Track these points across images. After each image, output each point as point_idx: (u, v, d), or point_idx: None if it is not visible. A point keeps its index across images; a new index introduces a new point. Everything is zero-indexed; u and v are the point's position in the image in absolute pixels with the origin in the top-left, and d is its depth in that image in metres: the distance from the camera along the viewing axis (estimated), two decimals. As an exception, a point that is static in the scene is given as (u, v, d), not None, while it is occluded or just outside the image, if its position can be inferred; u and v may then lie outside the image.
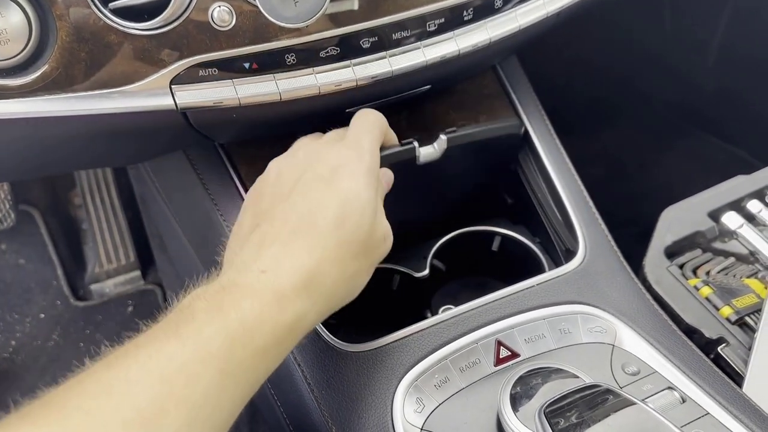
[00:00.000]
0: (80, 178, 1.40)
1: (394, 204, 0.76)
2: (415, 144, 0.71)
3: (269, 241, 0.53)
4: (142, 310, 1.33)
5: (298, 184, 0.56)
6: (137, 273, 1.39)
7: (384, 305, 0.79)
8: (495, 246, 0.83)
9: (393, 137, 0.68)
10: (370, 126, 0.62)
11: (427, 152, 0.73)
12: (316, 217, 0.53)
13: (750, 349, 0.68)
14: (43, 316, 1.30)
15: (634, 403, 0.51)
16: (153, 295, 1.35)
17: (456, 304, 0.68)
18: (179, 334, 0.45)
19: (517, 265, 0.80)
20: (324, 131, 0.73)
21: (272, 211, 0.55)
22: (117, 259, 1.38)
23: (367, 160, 0.57)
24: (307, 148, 0.60)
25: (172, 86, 0.57)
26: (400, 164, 0.75)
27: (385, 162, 0.64)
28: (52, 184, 1.42)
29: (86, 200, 1.40)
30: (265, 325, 0.48)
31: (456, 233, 0.81)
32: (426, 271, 0.79)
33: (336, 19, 0.59)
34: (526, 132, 0.78)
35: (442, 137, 0.73)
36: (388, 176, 0.65)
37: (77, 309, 1.32)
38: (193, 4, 0.55)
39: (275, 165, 0.61)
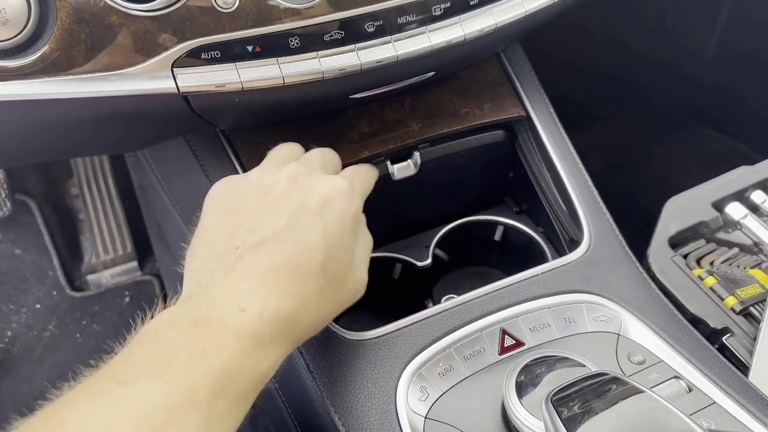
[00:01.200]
0: (77, 167, 1.39)
1: (397, 196, 0.76)
2: (387, 163, 0.73)
3: (251, 277, 0.50)
4: (139, 300, 1.32)
5: (286, 213, 0.53)
6: (134, 264, 1.38)
7: (385, 294, 0.78)
8: (497, 236, 0.82)
9: None
10: (364, 173, 0.63)
11: (402, 168, 0.75)
12: (302, 260, 0.51)
13: (755, 339, 0.68)
14: (39, 306, 1.29)
15: (642, 391, 0.50)
16: (150, 285, 1.34)
17: (458, 294, 0.68)
18: (164, 376, 0.44)
19: (519, 255, 0.80)
20: (326, 118, 0.72)
21: (255, 236, 0.52)
22: (114, 249, 1.37)
23: (356, 202, 0.57)
24: (294, 168, 0.57)
25: (174, 69, 0.56)
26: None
27: None
28: (48, 173, 1.41)
29: (83, 190, 1.39)
30: (245, 374, 0.47)
31: (458, 222, 0.81)
32: (428, 261, 0.78)
33: (340, 2, 0.58)
34: (530, 120, 0.78)
35: (416, 153, 0.74)
36: None
37: (74, 299, 1.31)
38: (195, -16, 0.54)
39: (254, 177, 0.58)
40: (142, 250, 1.38)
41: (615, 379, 0.52)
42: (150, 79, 0.56)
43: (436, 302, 0.76)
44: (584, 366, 0.57)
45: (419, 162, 0.75)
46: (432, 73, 0.70)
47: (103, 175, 1.39)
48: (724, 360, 0.62)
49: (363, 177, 0.63)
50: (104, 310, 1.30)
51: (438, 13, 0.62)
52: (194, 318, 0.48)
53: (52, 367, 1.22)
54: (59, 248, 1.36)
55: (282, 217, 0.53)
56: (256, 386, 0.48)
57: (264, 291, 0.49)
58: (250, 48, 0.57)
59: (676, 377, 0.60)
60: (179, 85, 0.56)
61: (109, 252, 1.37)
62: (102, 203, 1.39)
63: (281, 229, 0.52)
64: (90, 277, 1.36)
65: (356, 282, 0.57)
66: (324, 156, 0.62)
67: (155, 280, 1.34)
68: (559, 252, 0.77)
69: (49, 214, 1.38)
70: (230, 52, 0.57)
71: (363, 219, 0.61)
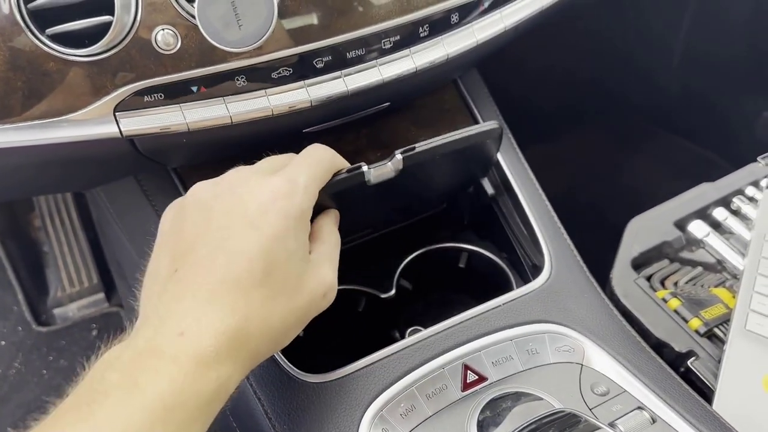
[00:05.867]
0: (38, 200, 1.36)
1: (354, 217, 0.74)
2: (364, 168, 0.62)
3: (188, 294, 0.47)
4: (107, 333, 1.29)
5: (223, 226, 0.50)
6: (101, 295, 1.35)
7: (350, 327, 0.77)
8: (462, 262, 0.81)
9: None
10: (313, 162, 0.55)
11: (378, 173, 0.64)
12: (241, 270, 0.48)
13: (719, 361, 0.67)
14: (3, 343, 1.26)
15: (599, 428, 0.50)
16: (118, 317, 1.32)
17: (424, 324, 0.67)
18: (91, 418, 0.41)
19: (485, 281, 0.79)
20: (281, 152, 0.71)
21: (193, 255, 0.49)
22: (80, 281, 1.34)
23: (298, 202, 0.51)
24: (235, 175, 0.53)
25: (116, 113, 0.55)
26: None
27: (330, 190, 0.58)
28: (10, 206, 1.38)
29: (46, 222, 1.36)
30: (186, 397, 0.43)
31: (422, 251, 0.80)
32: (392, 291, 0.77)
33: (286, 40, 0.57)
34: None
35: (398, 156, 0.69)
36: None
37: (40, 334, 1.28)
38: (135, 27, 0.53)
39: (197, 193, 0.53)
40: (109, 282, 1.35)
41: (573, 416, 0.52)
42: (92, 124, 0.55)
43: (402, 333, 0.75)
44: (546, 401, 0.56)
45: (401, 167, 0.65)
46: (387, 104, 0.69)
47: (65, 206, 1.36)
48: (688, 388, 0.62)
49: (310, 166, 0.54)
50: (71, 344, 1.28)
51: (388, 46, 0.61)
52: (133, 353, 0.45)
53: (17, 407, 1.19)
54: (23, 282, 1.33)
55: (219, 231, 0.50)
56: (200, 410, 0.44)
57: (202, 310, 0.46)
58: (194, 88, 0.56)
59: (639, 408, 0.59)
60: (122, 129, 0.55)
61: (75, 284, 1.34)
62: (66, 235, 1.36)
63: (217, 244, 0.49)
64: (56, 311, 1.33)
65: (318, 285, 0.52)
66: (271, 160, 0.57)
67: (123, 312, 1.32)
68: (523, 277, 0.76)
69: (11, 247, 1.35)
70: (174, 94, 0.56)
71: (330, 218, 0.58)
